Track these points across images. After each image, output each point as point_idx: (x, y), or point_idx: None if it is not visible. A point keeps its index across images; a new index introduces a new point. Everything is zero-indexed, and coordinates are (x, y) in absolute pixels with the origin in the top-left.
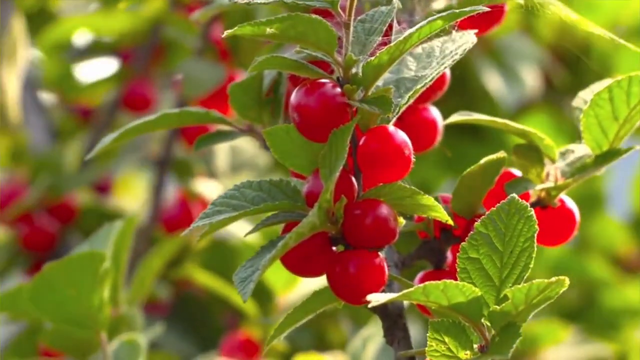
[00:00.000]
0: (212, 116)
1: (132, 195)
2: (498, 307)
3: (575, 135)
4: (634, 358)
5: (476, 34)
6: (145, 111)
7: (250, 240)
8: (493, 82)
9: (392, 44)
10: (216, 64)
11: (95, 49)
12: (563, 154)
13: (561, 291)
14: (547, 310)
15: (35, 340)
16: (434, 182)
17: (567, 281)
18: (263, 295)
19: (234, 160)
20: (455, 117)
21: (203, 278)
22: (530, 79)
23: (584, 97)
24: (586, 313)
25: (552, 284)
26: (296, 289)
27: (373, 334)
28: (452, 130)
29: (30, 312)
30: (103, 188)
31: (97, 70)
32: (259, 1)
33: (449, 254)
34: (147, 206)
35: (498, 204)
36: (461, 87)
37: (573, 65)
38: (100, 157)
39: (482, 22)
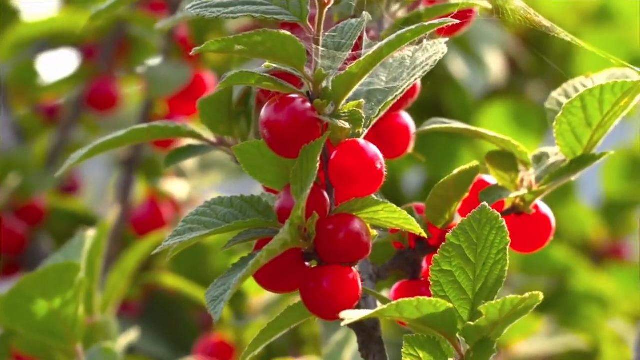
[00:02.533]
0: (182, 130)
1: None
2: (472, 323)
3: (539, 122)
4: (606, 348)
5: (447, 35)
6: (110, 109)
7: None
8: (459, 68)
9: (362, 58)
10: (181, 64)
11: (56, 42)
12: (538, 159)
13: (535, 305)
14: None
15: (9, 344)
16: (400, 169)
17: (541, 296)
18: (236, 297)
19: (202, 160)
20: (430, 125)
21: (174, 282)
22: (496, 63)
23: (556, 97)
24: (558, 303)
25: (526, 299)
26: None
27: (348, 338)
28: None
29: (5, 322)
30: (71, 188)
31: (60, 67)
32: (226, 16)
33: (424, 264)
34: (116, 206)
35: (469, 214)
36: (428, 74)
37: (537, 47)
38: (67, 158)
39: (453, 25)
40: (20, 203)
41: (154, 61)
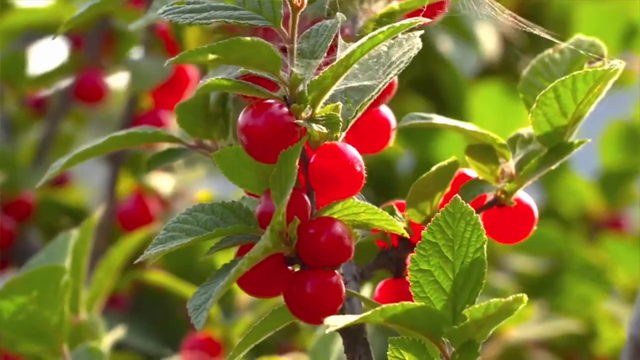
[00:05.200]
0: (161, 135)
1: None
2: (457, 326)
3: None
4: (602, 329)
5: (423, 26)
6: (98, 101)
7: None
8: (451, 48)
9: (335, 62)
10: (163, 57)
11: (44, 32)
12: (513, 142)
13: (520, 307)
14: (513, 286)
15: None
16: (395, 153)
17: (525, 298)
18: (224, 294)
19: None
20: (408, 121)
21: (161, 279)
22: (490, 41)
23: (528, 77)
24: (553, 284)
25: (510, 302)
26: None
27: (333, 335)
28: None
29: None
30: (60, 181)
31: (47, 58)
32: (199, 22)
33: (408, 261)
34: (103, 201)
35: (442, 208)
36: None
37: (533, 21)
38: (56, 151)
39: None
40: (9, 198)
41: (136, 55)
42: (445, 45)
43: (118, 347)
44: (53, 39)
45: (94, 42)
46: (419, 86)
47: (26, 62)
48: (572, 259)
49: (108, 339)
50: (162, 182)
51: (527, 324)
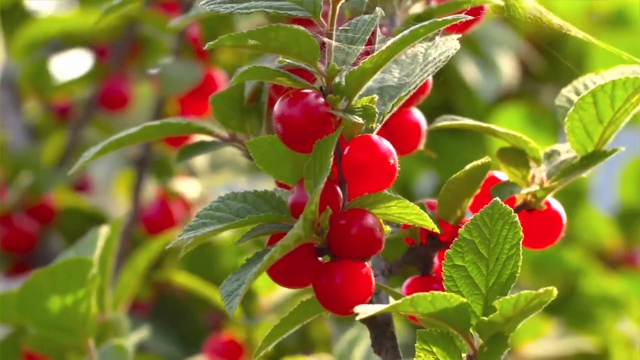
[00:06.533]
0: (194, 126)
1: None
2: (486, 318)
3: (552, 126)
4: (615, 351)
5: (459, 32)
6: (122, 109)
7: (232, 237)
8: (470, 72)
9: (375, 54)
10: (193, 63)
11: (69, 42)
12: (549, 156)
13: (549, 301)
14: None
15: (19, 343)
16: (413, 172)
17: (555, 291)
18: (246, 296)
19: (213, 159)
20: (440, 122)
21: (185, 280)
22: (508, 67)
23: (566, 94)
24: (567, 305)
25: (540, 294)
26: (279, 290)
27: (359, 336)
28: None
29: (17, 318)
30: (82, 187)
31: (72, 67)
32: (240, 11)
33: (435, 260)
34: (128, 206)
35: (482, 209)
36: (438, 77)
37: (549, 51)
38: (79, 155)
39: (464, 22)
40: (32, 202)
41: (166, 60)
42: (467, 69)
43: (140, 349)
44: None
45: (121, 50)
46: (436, 110)
47: (51, 70)
48: (588, 284)
49: (133, 338)
50: (187, 186)
51: (543, 340)
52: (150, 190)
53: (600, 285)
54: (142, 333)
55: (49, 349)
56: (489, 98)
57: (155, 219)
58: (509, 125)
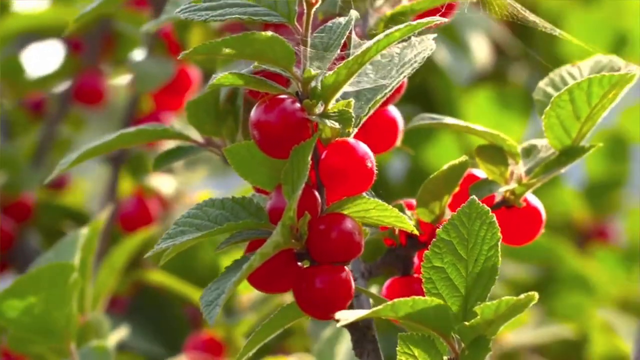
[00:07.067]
0: (170, 132)
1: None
2: (467, 323)
3: (525, 106)
4: (595, 336)
5: (433, 28)
6: (97, 103)
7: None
8: (446, 56)
9: (350, 58)
10: (166, 59)
11: (42, 37)
12: (527, 152)
13: (530, 305)
14: (506, 291)
15: None
16: (385, 158)
17: (536, 296)
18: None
19: None
20: (418, 121)
21: (163, 279)
22: (482, 49)
23: (543, 88)
24: (544, 291)
25: (521, 300)
26: None
27: (339, 334)
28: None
29: None
30: (59, 184)
31: (45, 61)
32: (214, 19)
33: (415, 260)
34: (104, 203)
35: (459, 208)
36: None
37: (522, 30)
38: (55, 153)
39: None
40: (9, 200)
41: (139, 56)
42: (440, 53)
43: (119, 348)
44: (60, 37)
45: (94, 45)
46: (409, 94)
47: (24, 65)
48: (562, 268)
49: (113, 338)
50: (163, 183)
51: (522, 329)
52: (126, 187)
53: (575, 269)
54: (122, 333)
55: (28, 349)
56: (464, 81)
57: (132, 216)
58: (480, 107)
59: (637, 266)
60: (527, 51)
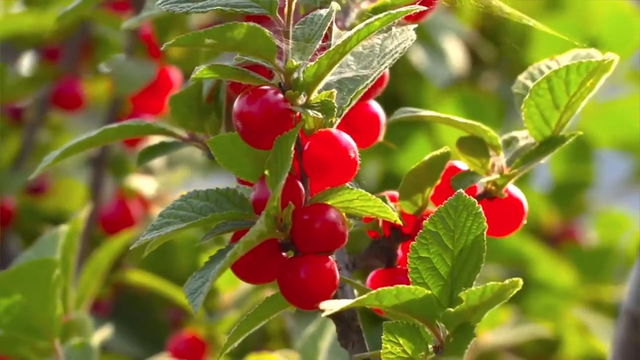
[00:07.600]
0: (154, 128)
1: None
2: (452, 309)
3: (497, 111)
4: (568, 337)
5: (414, 21)
6: (76, 109)
7: (189, 235)
8: (420, 59)
9: (331, 48)
10: (146, 61)
11: (19, 43)
12: (507, 143)
13: (515, 291)
14: None
15: None
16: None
17: (520, 282)
18: (207, 293)
19: (170, 156)
20: (399, 115)
21: (144, 279)
22: (457, 54)
23: (522, 81)
24: (517, 292)
25: (506, 285)
26: (240, 286)
27: (322, 330)
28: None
29: None
30: (38, 189)
31: (23, 68)
32: (196, 10)
33: (399, 252)
34: (86, 205)
35: (446, 201)
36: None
37: (493, 37)
38: (35, 157)
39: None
40: None
41: (118, 59)
42: (417, 57)
43: (102, 350)
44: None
45: (72, 50)
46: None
47: (6, 73)
48: (533, 269)
49: (97, 337)
50: (144, 183)
51: (499, 328)
52: (108, 189)
53: (546, 270)
54: (105, 332)
55: (13, 350)
56: (441, 85)
57: (113, 218)
58: (452, 112)
59: (607, 267)
60: (500, 50)
